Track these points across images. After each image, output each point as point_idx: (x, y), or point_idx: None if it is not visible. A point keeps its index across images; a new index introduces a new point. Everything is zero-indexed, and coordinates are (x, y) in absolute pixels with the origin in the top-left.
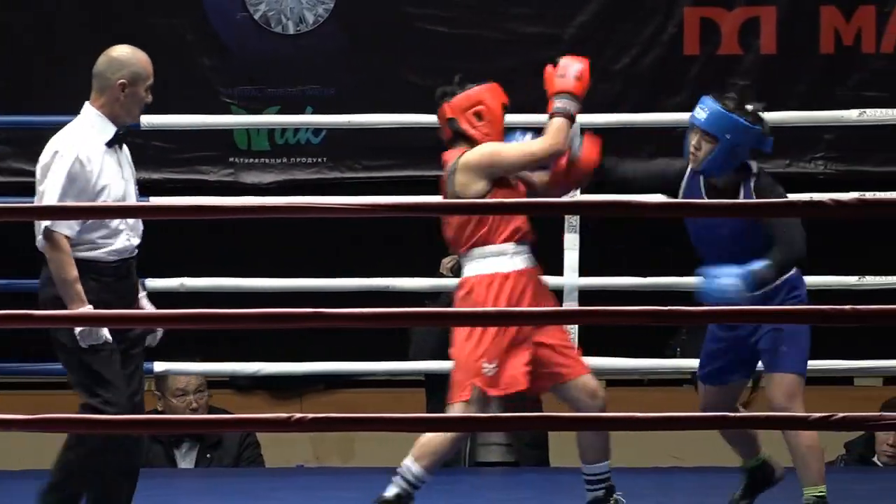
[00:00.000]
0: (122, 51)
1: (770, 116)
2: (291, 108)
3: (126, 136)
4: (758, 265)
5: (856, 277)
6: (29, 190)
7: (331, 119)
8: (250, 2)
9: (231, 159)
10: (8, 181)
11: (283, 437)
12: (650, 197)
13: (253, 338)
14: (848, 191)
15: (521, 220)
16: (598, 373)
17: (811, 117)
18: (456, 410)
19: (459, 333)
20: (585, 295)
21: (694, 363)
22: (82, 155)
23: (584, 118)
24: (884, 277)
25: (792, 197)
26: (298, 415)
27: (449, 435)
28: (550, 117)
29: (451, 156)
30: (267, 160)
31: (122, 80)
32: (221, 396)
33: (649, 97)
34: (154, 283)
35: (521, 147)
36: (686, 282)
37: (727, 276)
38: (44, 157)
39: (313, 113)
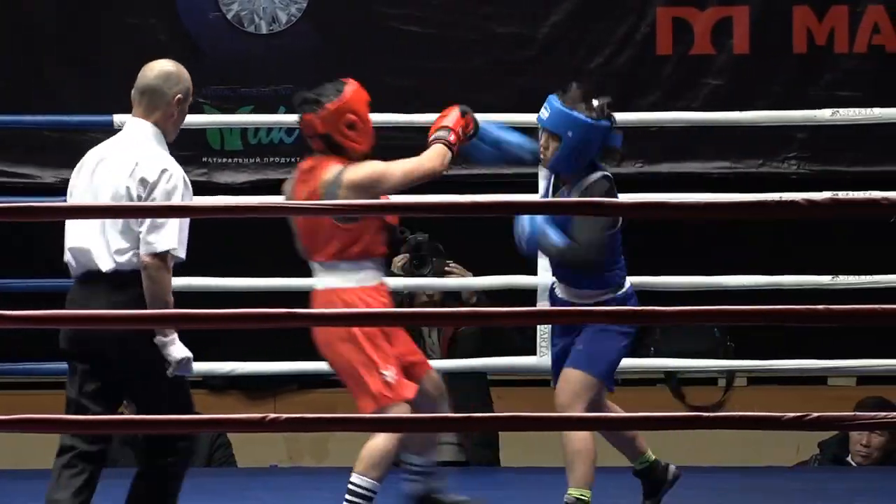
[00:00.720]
0: (171, 65)
1: (743, 116)
2: (264, 108)
3: None
4: (553, 234)
5: (829, 277)
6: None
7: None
8: (223, 1)
9: (204, 159)
10: None
11: (257, 437)
12: (628, 197)
13: (226, 338)
14: (821, 190)
15: (384, 235)
16: None
17: (784, 117)
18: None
19: (343, 345)
20: None
21: (668, 363)
22: (182, 173)
23: None
24: (857, 277)
25: (765, 197)
26: (273, 415)
27: (389, 441)
28: (431, 143)
29: (323, 166)
30: (240, 160)
31: (179, 96)
32: (194, 397)
33: (622, 97)
34: None
35: (404, 168)
36: (660, 281)
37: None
38: (145, 174)
39: (286, 112)
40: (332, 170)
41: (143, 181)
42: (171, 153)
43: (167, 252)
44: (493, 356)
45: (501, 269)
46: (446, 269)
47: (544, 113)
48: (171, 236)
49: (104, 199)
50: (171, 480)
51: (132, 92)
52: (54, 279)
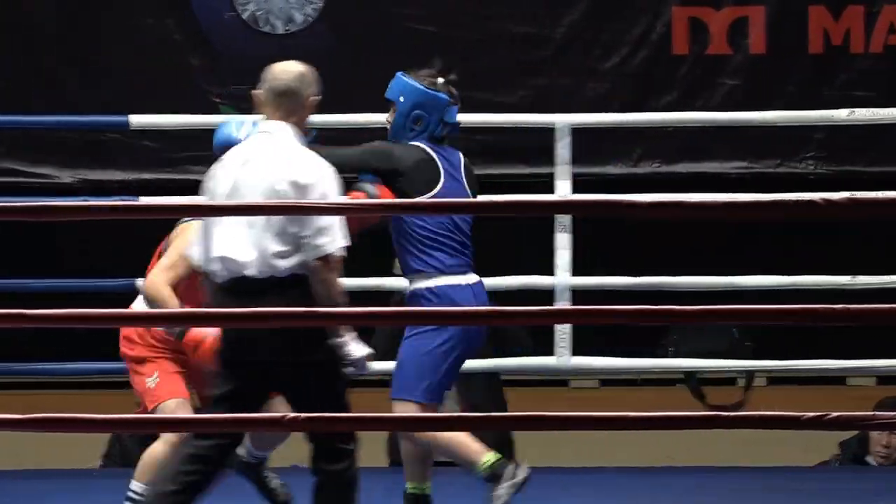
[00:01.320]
0: (302, 66)
1: (760, 116)
2: None
3: None
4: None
5: (848, 277)
6: (18, 190)
7: (320, 118)
8: (238, 1)
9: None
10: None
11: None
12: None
13: None
14: (839, 190)
15: None
16: (591, 372)
17: (800, 117)
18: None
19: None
20: (578, 294)
21: (688, 363)
22: (334, 175)
23: (572, 118)
24: (876, 277)
25: (782, 197)
26: (292, 414)
27: (167, 447)
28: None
29: None
30: None
31: (313, 97)
32: None
33: (638, 97)
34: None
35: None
36: (678, 281)
37: None
38: (299, 176)
39: None
40: None
41: (297, 183)
42: (188, 153)
43: (335, 253)
44: (505, 357)
45: (515, 270)
46: None
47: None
48: (340, 236)
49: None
50: (350, 486)
51: (264, 94)
52: (85, 279)
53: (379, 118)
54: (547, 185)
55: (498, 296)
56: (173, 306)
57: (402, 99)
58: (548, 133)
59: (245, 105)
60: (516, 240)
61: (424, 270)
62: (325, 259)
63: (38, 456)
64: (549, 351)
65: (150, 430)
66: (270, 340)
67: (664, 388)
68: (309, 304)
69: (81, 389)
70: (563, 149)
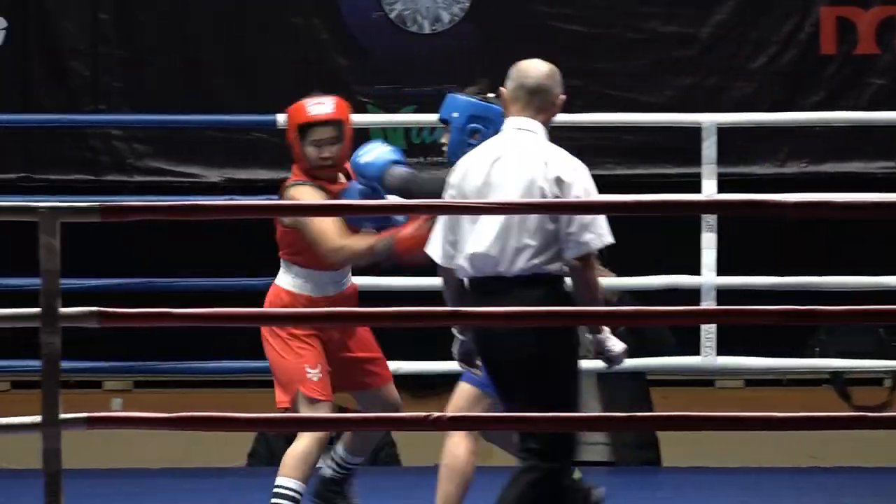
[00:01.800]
0: (549, 64)
1: None
2: (427, 108)
3: None
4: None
5: None
6: (166, 189)
7: None
8: (386, 1)
9: None
10: (146, 180)
11: (422, 436)
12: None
13: (388, 336)
14: None
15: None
16: (737, 372)
17: None
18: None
19: (273, 342)
20: (723, 294)
21: (833, 363)
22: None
23: (719, 117)
24: None
25: None
26: (437, 414)
27: (311, 443)
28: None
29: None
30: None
31: (561, 96)
32: None
33: (785, 96)
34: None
35: (325, 228)
36: (823, 281)
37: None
38: (560, 173)
39: None
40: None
41: (558, 180)
42: None
43: (597, 249)
44: (650, 356)
45: (661, 270)
46: None
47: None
48: (605, 231)
49: (510, 199)
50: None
51: (512, 91)
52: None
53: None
54: (693, 184)
55: (643, 295)
56: (364, 245)
57: (456, 115)
58: (694, 133)
59: (392, 104)
60: (662, 240)
61: None
62: (587, 256)
63: (185, 454)
64: (694, 351)
65: (294, 429)
66: (519, 339)
67: (810, 388)
68: (555, 301)
69: (228, 388)
70: (709, 148)
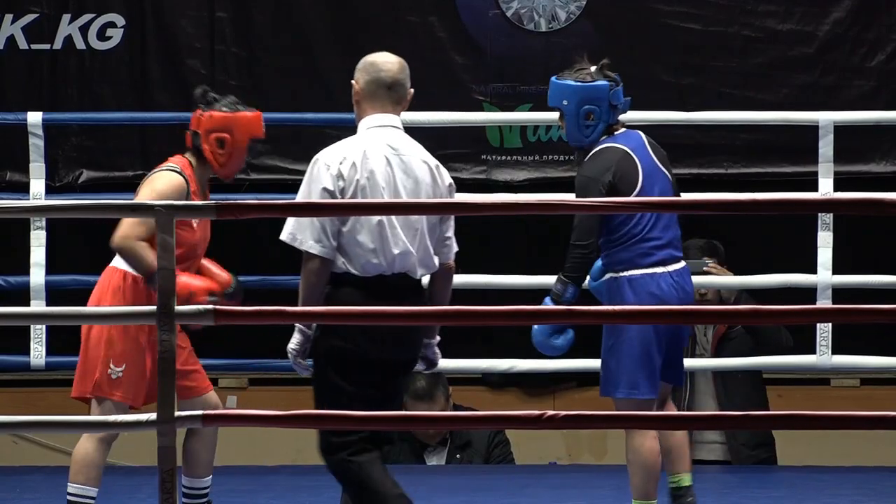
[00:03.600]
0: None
1: None
2: (544, 106)
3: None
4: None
5: None
6: (282, 187)
7: None
8: None
9: (484, 157)
10: (262, 178)
11: (536, 434)
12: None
13: (503, 334)
14: None
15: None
16: (852, 370)
17: None
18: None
19: (91, 330)
20: (838, 293)
21: None
22: None
23: (836, 115)
24: None
25: None
26: (550, 412)
27: (91, 444)
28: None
29: (171, 162)
30: (519, 157)
31: (411, 90)
32: (473, 393)
33: None
34: None
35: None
36: None
37: None
38: (448, 177)
39: None
40: (168, 163)
41: (451, 186)
42: (451, 150)
43: None
44: (765, 355)
45: (777, 268)
46: (705, 269)
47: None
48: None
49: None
50: None
51: (371, 86)
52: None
53: (639, 116)
54: (809, 182)
55: (759, 293)
56: (151, 258)
57: (566, 102)
58: (811, 131)
59: (508, 103)
60: (778, 238)
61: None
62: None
63: (300, 452)
64: (810, 349)
65: (404, 426)
66: (414, 338)
67: None
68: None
69: None
70: (825, 147)
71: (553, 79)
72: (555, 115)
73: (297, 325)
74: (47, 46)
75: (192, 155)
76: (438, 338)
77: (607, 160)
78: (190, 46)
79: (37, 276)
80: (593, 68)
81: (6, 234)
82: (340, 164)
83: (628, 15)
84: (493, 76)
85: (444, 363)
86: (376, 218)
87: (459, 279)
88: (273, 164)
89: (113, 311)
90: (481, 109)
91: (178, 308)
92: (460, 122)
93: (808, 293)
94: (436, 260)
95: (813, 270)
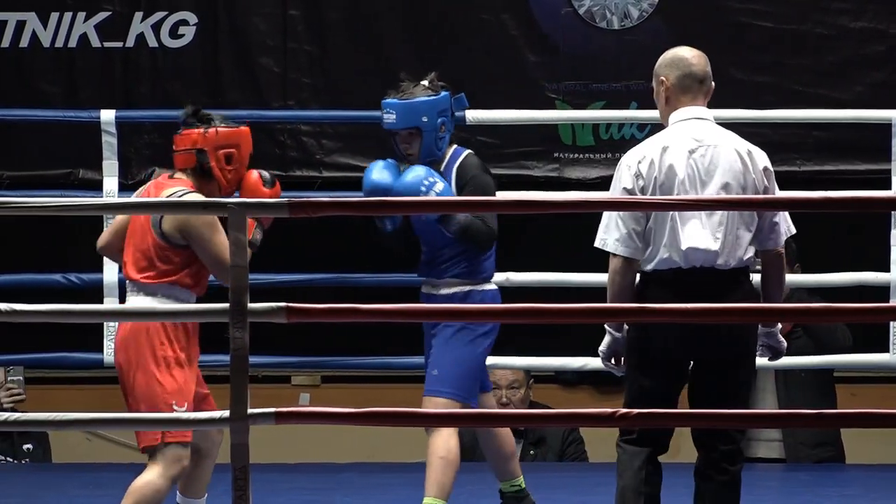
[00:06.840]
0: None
1: None
2: (616, 104)
3: None
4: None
5: None
6: (354, 185)
7: (656, 114)
8: None
9: (556, 154)
10: (334, 176)
11: (609, 432)
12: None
13: (577, 331)
14: None
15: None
16: None
17: None
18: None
19: (147, 373)
20: None
21: None
22: None
23: None
24: None
25: None
26: (623, 410)
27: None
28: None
29: (175, 184)
30: (592, 155)
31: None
32: (546, 391)
33: None
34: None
35: (221, 246)
36: None
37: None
38: (766, 163)
39: (638, 108)
40: (176, 186)
41: (766, 170)
42: (523, 148)
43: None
44: (831, 353)
45: (851, 267)
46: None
47: (390, 118)
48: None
49: (713, 191)
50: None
51: (684, 80)
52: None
53: (712, 114)
54: (883, 181)
55: (830, 292)
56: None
57: (425, 119)
58: (884, 129)
59: (580, 100)
60: (851, 236)
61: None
62: (780, 248)
63: (374, 450)
64: (883, 348)
65: (482, 424)
66: (722, 336)
67: None
68: (753, 294)
69: (416, 384)
70: None
71: (394, 101)
72: (629, 113)
73: (606, 326)
74: (120, 44)
75: (191, 175)
76: (780, 325)
77: (480, 167)
78: (262, 44)
79: (109, 273)
80: (424, 82)
81: (78, 231)
82: (639, 162)
83: (701, 12)
84: (566, 74)
85: (517, 360)
86: (668, 213)
87: (534, 277)
88: (345, 162)
89: (186, 308)
90: (554, 107)
91: (251, 305)
92: (533, 120)
93: (882, 292)
94: (750, 250)
95: (886, 269)
